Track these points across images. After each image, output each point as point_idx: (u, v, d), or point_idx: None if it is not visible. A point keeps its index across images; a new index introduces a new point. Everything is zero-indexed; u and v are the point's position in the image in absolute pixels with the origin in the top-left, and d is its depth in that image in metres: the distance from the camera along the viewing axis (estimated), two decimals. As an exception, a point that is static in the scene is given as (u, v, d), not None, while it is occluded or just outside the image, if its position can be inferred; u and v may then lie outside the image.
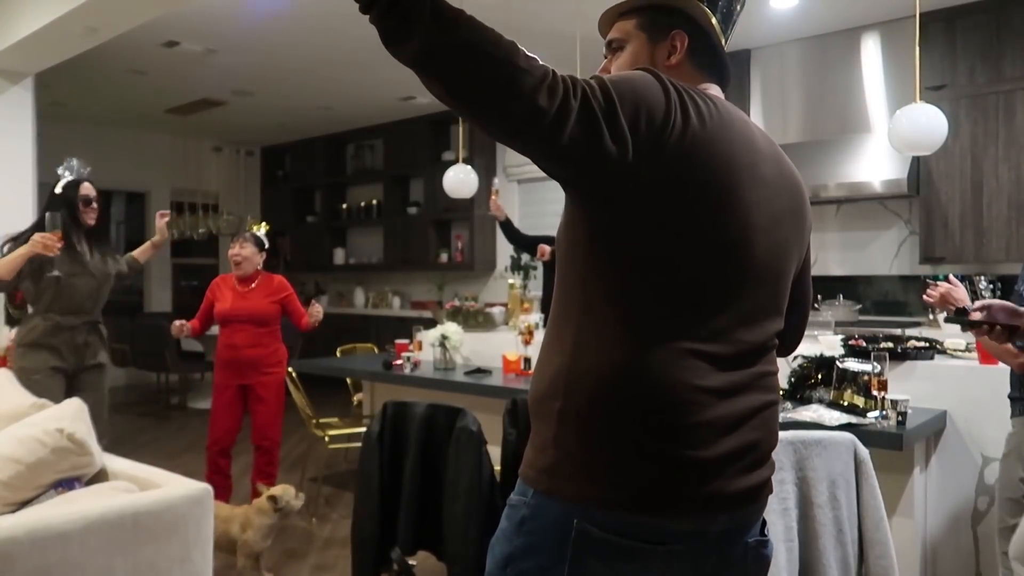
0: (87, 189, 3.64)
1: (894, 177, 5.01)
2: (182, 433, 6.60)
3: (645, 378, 1.08)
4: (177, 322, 4.07)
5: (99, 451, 2.51)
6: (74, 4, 4.17)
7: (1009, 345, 2.26)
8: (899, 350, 3.10)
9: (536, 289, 5.76)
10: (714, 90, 1.25)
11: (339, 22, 5.41)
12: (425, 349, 4.47)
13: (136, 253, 4.00)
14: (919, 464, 2.89)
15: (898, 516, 2.73)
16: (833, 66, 5.61)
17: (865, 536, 2.12)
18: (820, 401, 2.94)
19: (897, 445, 2.51)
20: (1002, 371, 2.65)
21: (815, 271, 1.47)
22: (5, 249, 3.51)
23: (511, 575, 1.13)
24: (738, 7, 1.30)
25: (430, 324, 5.60)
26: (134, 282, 4.00)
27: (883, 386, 2.69)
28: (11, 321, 4.95)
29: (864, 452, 2.14)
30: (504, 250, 7.44)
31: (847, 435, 2.15)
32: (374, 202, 8.90)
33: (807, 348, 3.10)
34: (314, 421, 4.49)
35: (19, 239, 3.48)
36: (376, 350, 5.96)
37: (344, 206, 9.37)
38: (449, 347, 4.27)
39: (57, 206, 3.52)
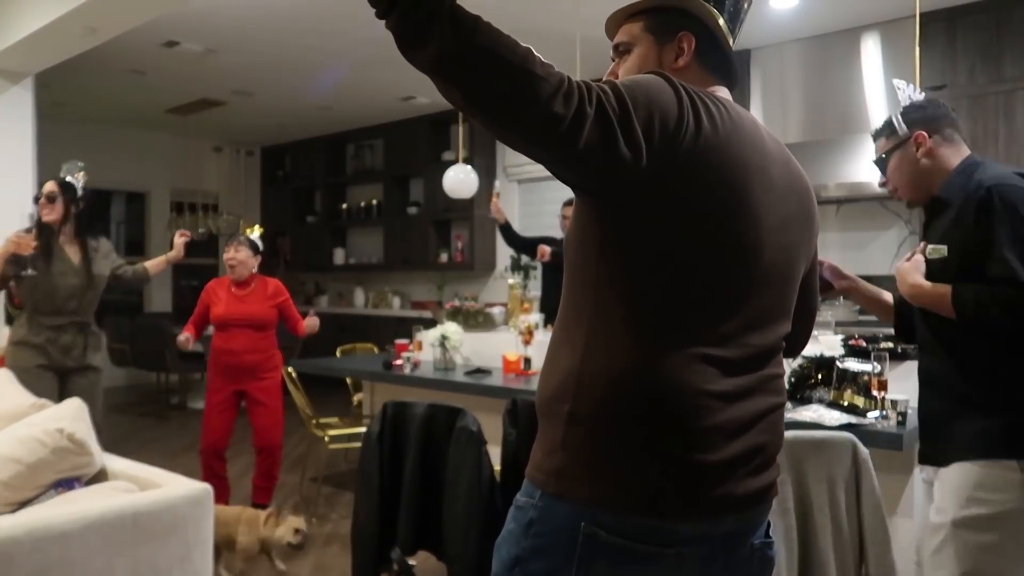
0: (49, 187, 3.67)
1: (894, 177, 5.01)
2: (182, 433, 6.59)
3: (655, 382, 1.08)
4: (182, 336, 4.06)
5: (99, 451, 2.51)
6: (74, 4, 4.16)
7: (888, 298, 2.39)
8: (899, 350, 3.09)
9: (536, 289, 5.75)
10: (722, 92, 1.25)
11: (339, 22, 5.41)
12: (425, 349, 4.46)
13: (149, 264, 4.04)
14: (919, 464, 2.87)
15: (898, 516, 2.73)
16: (833, 66, 5.61)
17: (865, 536, 2.12)
18: (820, 401, 2.94)
19: (897, 445, 2.50)
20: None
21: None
22: None
23: None
24: (745, 6, 1.30)
25: (430, 324, 5.59)
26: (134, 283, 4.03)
27: (883, 386, 2.69)
28: (11, 320, 4.97)
29: (864, 452, 2.14)
30: (504, 250, 7.44)
31: (847, 435, 2.15)
32: (374, 202, 8.90)
33: (807, 348, 3.08)
34: (314, 421, 4.49)
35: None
36: (376, 350, 5.96)
37: (344, 206, 9.37)
38: (449, 347, 4.27)
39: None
